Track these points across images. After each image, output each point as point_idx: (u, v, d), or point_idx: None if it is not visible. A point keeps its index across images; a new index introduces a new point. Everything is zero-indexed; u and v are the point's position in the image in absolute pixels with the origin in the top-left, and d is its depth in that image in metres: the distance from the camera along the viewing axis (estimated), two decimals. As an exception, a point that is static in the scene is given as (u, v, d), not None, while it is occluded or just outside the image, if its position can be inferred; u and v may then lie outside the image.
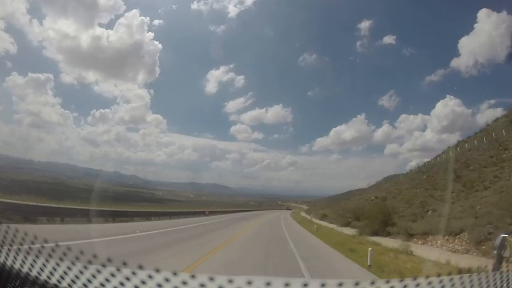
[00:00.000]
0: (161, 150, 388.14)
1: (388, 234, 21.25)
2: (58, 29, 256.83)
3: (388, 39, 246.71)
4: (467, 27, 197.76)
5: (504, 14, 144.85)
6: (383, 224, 22.31)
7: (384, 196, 39.89)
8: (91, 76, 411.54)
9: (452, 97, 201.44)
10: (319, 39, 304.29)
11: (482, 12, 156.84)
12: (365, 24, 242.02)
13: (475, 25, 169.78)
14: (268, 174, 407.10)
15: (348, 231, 25.74)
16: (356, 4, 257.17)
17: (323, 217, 48.27)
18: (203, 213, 39.93)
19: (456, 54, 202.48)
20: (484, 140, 34.59)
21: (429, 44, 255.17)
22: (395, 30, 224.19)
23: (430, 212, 22.73)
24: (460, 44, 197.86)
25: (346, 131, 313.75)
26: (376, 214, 24.02)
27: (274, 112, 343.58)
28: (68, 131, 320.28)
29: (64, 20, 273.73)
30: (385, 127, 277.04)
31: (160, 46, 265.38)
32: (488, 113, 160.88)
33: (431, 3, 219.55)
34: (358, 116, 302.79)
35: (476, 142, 36.28)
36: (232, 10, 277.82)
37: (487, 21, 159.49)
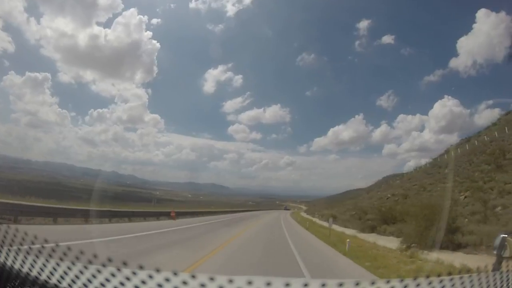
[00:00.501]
0: (159, 150, 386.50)
1: (458, 247, 13.84)
2: (56, 28, 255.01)
3: (387, 39, 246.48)
4: (466, 27, 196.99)
5: (503, 14, 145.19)
6: (447, 230, 14.30)
7: (404, 193, 33.89)
8: (88, 75, 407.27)
9: (450, 97, 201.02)
10: (318, 38, 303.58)
11: (481, 12, 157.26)
12: (363, 24, 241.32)
13: (474, 25, 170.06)
14: (266, 174, 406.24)
15: (383, 241, 18.04)
16: (355, 4, 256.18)
17: (331, 218, 36.41)
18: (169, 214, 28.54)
19: (455, 54, 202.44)
20: (506, 130, 35.20)
21: (427, 44, 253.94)
22: (394, 29, 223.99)
23: (499, 208, 17.08)
24: (459, 44, 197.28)
25: (344, 131, 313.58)
26: (428, 215, 15.48)
27: (272, 112, 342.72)
28: (65, 131, 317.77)
29: (62, 19, 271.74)
30: (383, 127, 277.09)
31: (158, 45, 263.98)
32: (486, 114, 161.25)
33: (430, 3, 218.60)
34: (356, 116, 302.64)
35: (497, 134, 36.66)
36: (231, 9, 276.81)
37: (486, 21, 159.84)
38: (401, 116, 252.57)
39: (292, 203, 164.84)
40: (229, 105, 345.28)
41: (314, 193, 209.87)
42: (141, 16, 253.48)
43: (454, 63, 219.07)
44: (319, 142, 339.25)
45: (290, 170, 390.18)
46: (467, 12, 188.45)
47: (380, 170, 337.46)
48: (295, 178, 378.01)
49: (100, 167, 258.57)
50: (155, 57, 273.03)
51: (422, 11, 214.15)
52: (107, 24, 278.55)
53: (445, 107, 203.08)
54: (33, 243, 1.30)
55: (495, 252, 2.06)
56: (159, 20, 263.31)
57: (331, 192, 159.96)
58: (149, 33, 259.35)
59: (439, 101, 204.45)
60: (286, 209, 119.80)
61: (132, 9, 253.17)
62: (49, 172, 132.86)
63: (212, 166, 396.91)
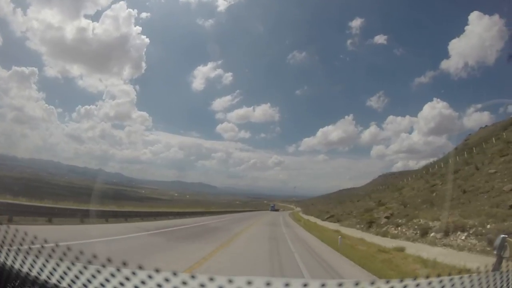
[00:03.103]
0: (147, 148, 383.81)
1: None
2: (42, 19, 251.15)
3: (379, 39, 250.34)
4: (458, 29, 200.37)
5: (496, 17, 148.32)
6: None
7: None
8: (75, 69, 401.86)
9: (439, 100, 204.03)
10: (310, 36, 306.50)
11: (474, 14, 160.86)
12: (356, 23, 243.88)
13: (466, 27, 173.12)
14: (254, 173, 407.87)
15: None
16: (349, 1, 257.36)
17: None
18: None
19: (446, 56, 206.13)
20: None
21: (419, 45, 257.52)
22: (386, 29, 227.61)
23: None
24: (451, 46, 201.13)
25: (333, 131, 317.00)
26: None
27: (262, 111, 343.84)
28: (52, 127, 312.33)
29: (49, 10, 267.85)
30: (373, 128, 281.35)
31: (147, 40, 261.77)
32: (475, 116, 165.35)
33: (423, 3, 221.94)
34: (346, 117, 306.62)
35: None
36: (222, 4, 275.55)
37: (478, 24, 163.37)
38: (390, 118, 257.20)
39: (280, 203, 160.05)
40: (218, 103, 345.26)
41: (302, 193, 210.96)
42: (131, 10, 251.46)
43: (445, 64, 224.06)
44: (308, 142, 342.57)
45: (278, 170, 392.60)
46: (460, 14, 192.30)
47: (367, 171, 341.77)
48: (283, 178, 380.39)
49: (87, 164, 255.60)
50: (143, 52, 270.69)
51: (415, 11, 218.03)
52: (96, 17, 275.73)
53: (435, 109, 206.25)
54: (32, 243, 1.30)
55: (495, 252, 2.10)
56: (148, 14, 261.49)
57: (319, 192, 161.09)
58: (138, 28, 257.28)
59: (429, 103, 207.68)
60: (273, 209, 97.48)
61: (121, 2, 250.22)
62: (34, 169, 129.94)
63: (200, 165, 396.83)
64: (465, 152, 38.19)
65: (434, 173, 39.40)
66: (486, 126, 53.55)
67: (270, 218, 46.62)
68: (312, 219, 50.08)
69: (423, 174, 44.31)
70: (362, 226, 29.64)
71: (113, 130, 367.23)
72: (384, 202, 37.36)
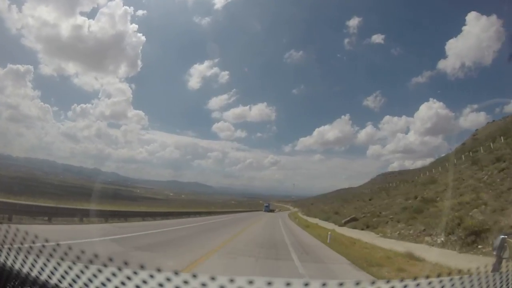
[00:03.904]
0: (143, 148, 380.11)
1: None
2: (38, 16, 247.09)
3: (377, 38, 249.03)
4: (456, 29, 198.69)
5: (494, 17, 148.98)
6: None
7: None
8: (71, 67, 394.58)
9: (435, 100, 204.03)
10: (307, 35, 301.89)
11: (471, 15, 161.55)
12: (354, 22, 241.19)
13: (464, 28, 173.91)
14: (250, 173, 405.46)
15: None
16: (346, 0, 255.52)
17: None
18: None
19: (443, 56, 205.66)
20: None
21: (417, 45, 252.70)
22: (384, 29, 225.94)
23: None
24: (448, 46, 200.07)
25: (329, 131, 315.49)
26: None
27: (258, 110, 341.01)
28: (48, 126, 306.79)
29: (44, 7, 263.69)
30: (369, 128, 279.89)
31: (143, 38, 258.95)
32: (471, 117, 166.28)
33: (421, 3, 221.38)
34: (343, 116, 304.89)
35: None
36: (218, 1, 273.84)
37: (476, 24, 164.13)
38: (387, 118, 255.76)
39: (276, 203, 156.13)
40: (214, 102, 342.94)
41: (298, 193, 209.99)
42: (127, 7, 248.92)
43: (442, 64, 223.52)
44: (304, 141, 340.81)
45: (274, 169, 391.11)
46: (457, 14, 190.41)
47: (364, 171, 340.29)
48: (279, 178, 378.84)
49: (83, 164, 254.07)
50: (139, 51, 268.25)
51: (413, 11, 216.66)
52: (91, 15, 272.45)
53: (431, 109, 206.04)
54: (33, 242, 1.29)
55: (494, 253, 2.13)
56: (144, 11, 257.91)
57: (315, 192, 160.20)
58: (134, 26, 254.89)
59: (425, 103, 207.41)
60: (268, 209, 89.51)
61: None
62: (29, 168, 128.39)
63: (196, 165, 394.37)
64: (492, 141, 35.12)
65: (475, 161, 30.88)
66: (494, 121, 56.38)
67: (264, 224, 33.52)
68: (323, 223, 37.87)
69: (445, 168, 39.89)
70: (442, 239, 16.41)
71: (108, 129, 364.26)
72: (431, 197, 27.06)
